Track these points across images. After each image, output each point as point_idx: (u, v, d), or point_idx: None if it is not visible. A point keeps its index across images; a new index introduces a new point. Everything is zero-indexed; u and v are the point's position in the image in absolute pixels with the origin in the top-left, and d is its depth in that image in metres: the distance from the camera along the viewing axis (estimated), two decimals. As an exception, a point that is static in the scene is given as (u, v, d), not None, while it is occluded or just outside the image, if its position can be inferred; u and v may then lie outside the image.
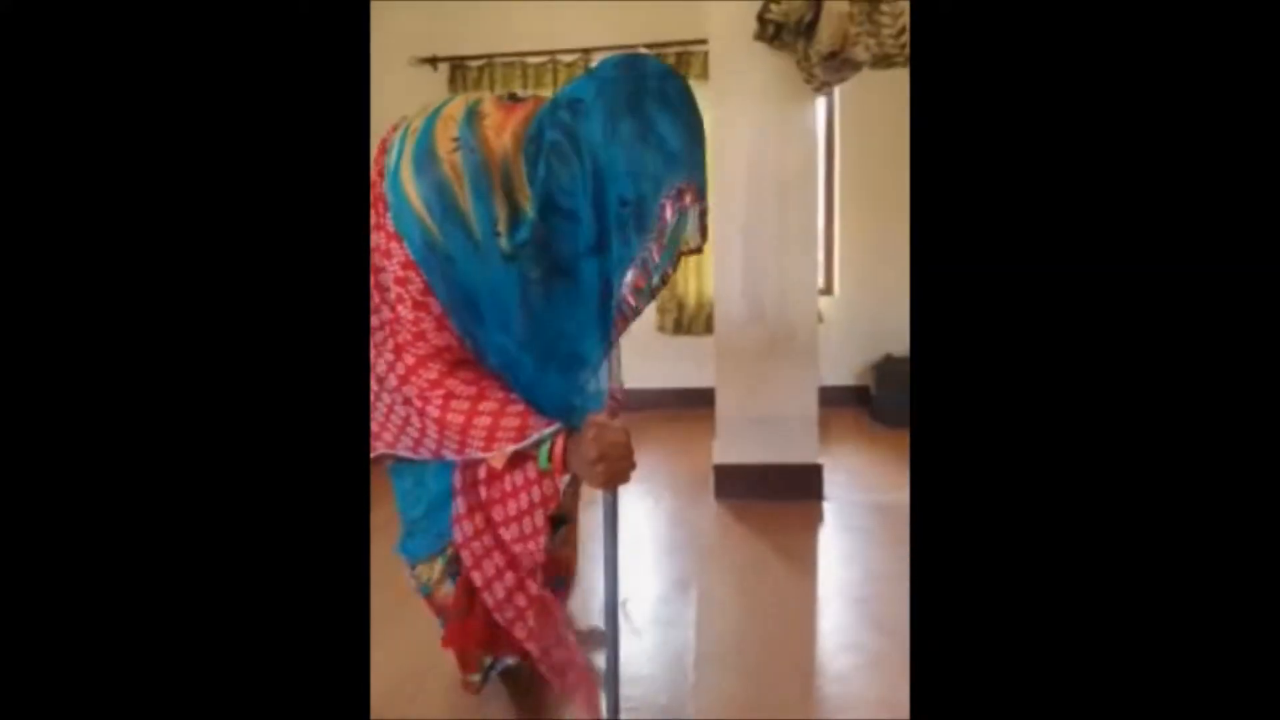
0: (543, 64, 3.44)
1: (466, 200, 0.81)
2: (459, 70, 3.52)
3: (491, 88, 3.48)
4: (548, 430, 0.87)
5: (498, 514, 0.96)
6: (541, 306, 0.88)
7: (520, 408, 0.88)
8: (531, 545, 0.95)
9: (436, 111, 0.87)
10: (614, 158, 0.74)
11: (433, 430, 0.93)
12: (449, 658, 1.26)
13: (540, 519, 0.93)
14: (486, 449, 0.87)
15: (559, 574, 1.21)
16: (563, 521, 1.09)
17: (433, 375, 0.89)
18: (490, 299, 0.87)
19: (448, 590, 1.10)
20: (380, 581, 1.06)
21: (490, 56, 3.48)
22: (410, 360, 0.90)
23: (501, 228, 0.82)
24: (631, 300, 0.80)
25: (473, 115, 0.85)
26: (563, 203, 0.79)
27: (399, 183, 0.83)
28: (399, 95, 3.47)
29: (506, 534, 0.97)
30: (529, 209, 0.81)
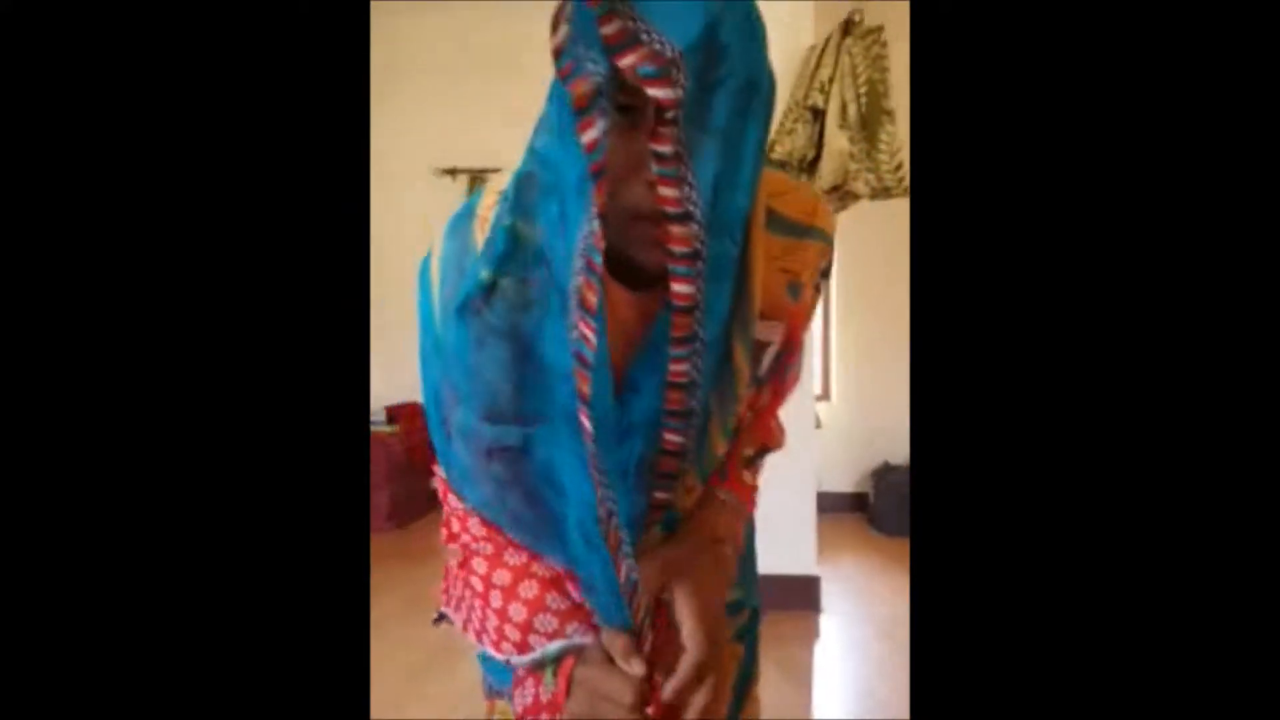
0: (556, 177, 3.66)
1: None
2: (478, 182, 3.74)
3: (507, 198, 3.68)
4: (553, 646, 0.59)
5: None
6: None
7: (534, 591, 0.59)
8: None
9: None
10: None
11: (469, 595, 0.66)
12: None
13: None
14: (495, 646, 0.62)
15: None
16: None
17: (460, 508, 0.64)
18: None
19: None
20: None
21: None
22: (440, 487, 0.67)
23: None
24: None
25: None
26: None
27: (428, 255, 0.63)
28: (419, 205, 3.71)
29: None
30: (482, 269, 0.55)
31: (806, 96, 1.89)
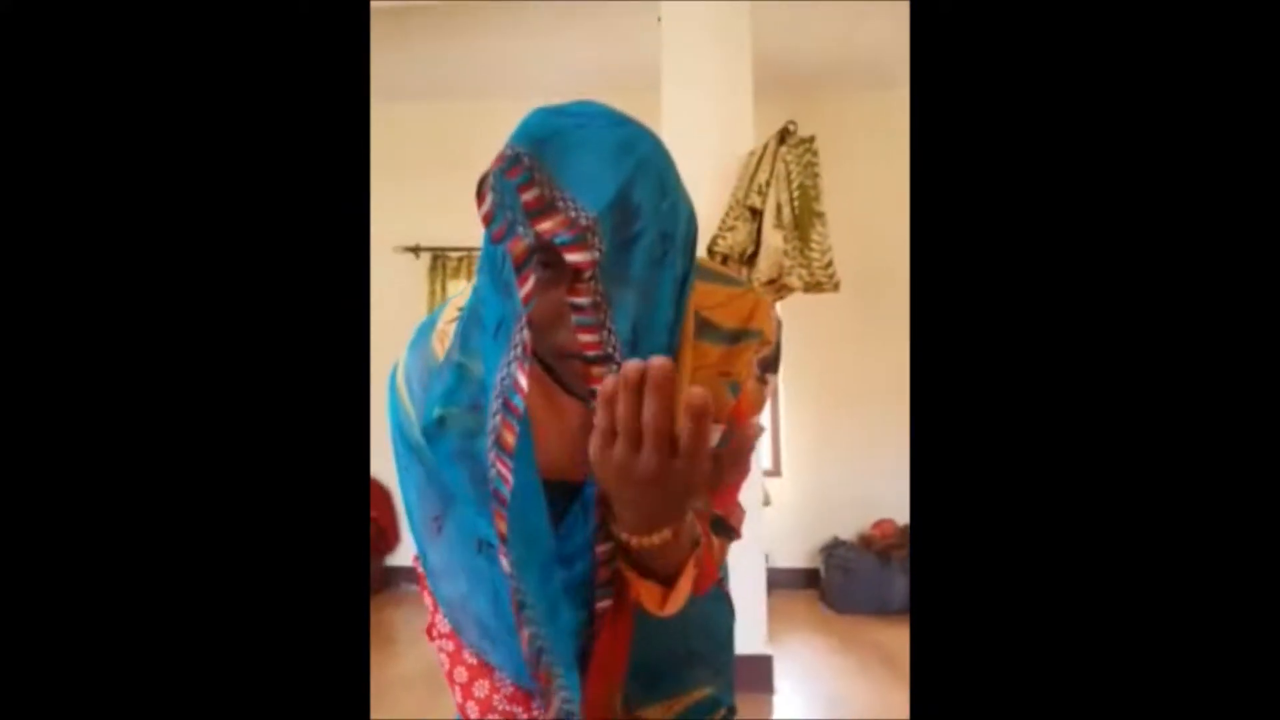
0: (517, 257, 3.78)
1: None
2: (439, 259, 3.83)
3: (469, 278, 3.78)
4: None
5: None
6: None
7: (485, 691, 0.62)
8: None
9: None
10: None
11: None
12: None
13: None
14: None
15: None
16: None
17: (430, 603, 0.68)
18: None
19: None
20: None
21: (470, 249, 3.81)
22: (421, 570, 0.69)
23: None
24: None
25: None
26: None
27: (395, 368, 0.66)
28: (381, 281, 3.78)
29: None
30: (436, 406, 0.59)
31: (746, 197, 2.05)
